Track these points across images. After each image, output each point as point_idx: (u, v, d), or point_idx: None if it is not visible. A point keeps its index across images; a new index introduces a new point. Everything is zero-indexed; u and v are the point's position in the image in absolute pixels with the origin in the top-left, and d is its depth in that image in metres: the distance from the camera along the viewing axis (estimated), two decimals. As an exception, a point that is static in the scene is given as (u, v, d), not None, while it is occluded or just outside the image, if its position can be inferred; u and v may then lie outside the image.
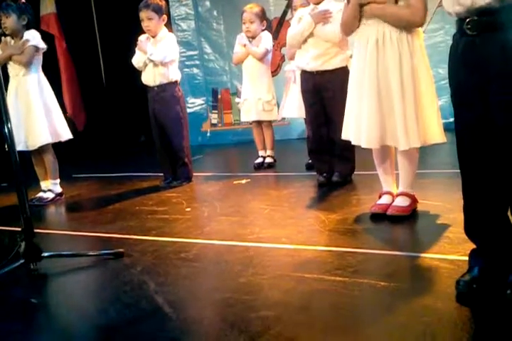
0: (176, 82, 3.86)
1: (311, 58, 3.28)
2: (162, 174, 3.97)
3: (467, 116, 1.52)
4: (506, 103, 1.42)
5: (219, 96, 6.57)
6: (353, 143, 2.52)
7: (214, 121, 6.65)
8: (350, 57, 2.93)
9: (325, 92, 3.28)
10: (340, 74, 3.05)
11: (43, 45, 3.60)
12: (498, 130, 1.45)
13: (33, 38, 3.54)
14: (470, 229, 1.62)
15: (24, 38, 3.53)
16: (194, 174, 3.98)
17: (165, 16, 3.82)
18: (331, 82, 3.22)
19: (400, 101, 2.31)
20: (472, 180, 1.55)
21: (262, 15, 4.25)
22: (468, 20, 1.45)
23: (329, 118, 3.31)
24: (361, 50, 2.40)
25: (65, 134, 3.69)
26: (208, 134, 6.63)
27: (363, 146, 2.45)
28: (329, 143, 3.36)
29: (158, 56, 3.72)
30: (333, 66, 3.22)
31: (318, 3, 3.22)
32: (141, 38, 3.84)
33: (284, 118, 4.10)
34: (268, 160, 4.38)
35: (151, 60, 3.73)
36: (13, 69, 3.56)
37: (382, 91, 2.34)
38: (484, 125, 1.48)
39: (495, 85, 1.43)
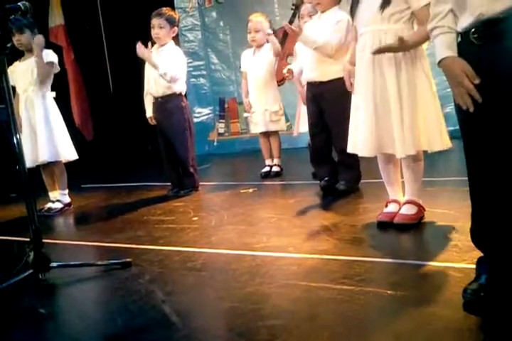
0: (181, 94, 3.84)
1: (309, 69, 3.37)
2: (169, 183, 3.99)
3: (475, 124, 1.51)
4: None
5: (226, 106, 6.61)
6: (348, 150, 2.55)
7: (221, 131, 6.68)
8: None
9: (322, 103, 3.35)
10: (337, 85, 2.99)
11: (57, 67, 3.65)
12: (508, 138, 1.44)
13: (53, 57, 3.59)
14: (477, 237, 1.61)
15: (45, 55, 3.55)
16: (201, 183, 3.99)
17: (176, 29, 3.83)
18: (327, 93, 3.27)
19: (397, 109, 2.30)
20: (481, 186, 1.54)
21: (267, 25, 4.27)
22: (473, 30, 1.46)
23: (328, 127, 3.37)
24: (360, 58, 2.41)
25: (68, 155, 3.68)
26: (215, 143, 6.66)
27: (359, 155, 2.49)
28: (328, 150, 3.45)
29: (170, 73, 3.66)
30: (328, 77, 3.24)
31: (323, 12, 3.25)
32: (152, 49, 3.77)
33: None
34: (275, 169, 4.39)
35: (161, 76, 3.68)
36: (22, 85, 3.59)
37: (379, 99, 2.34)
38: (493, 132, 1.47)
39: (504, 93, 1.43)
